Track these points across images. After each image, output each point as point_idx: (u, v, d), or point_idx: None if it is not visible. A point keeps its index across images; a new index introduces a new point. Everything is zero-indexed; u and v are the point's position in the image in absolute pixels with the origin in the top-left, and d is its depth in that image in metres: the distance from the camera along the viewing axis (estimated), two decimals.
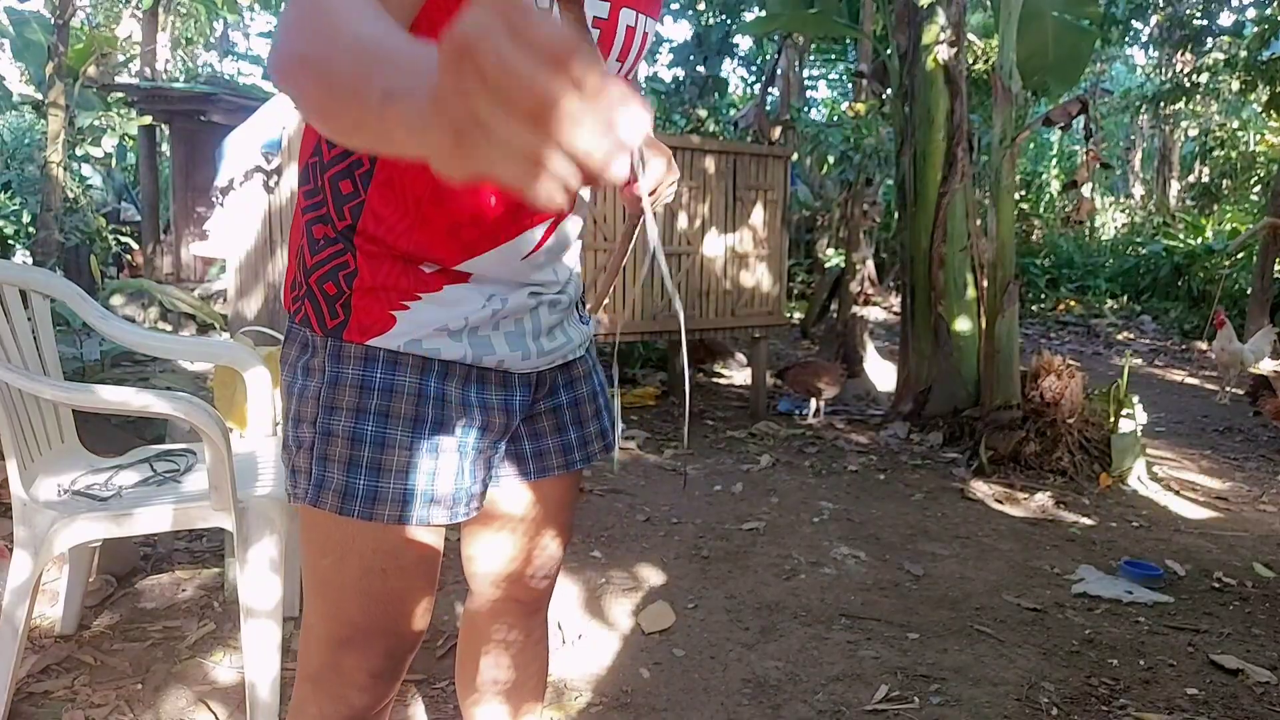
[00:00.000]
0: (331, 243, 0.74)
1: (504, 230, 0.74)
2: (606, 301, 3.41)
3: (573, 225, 0.81)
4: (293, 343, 0.77)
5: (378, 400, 0.73)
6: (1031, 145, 11.73)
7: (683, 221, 3.58)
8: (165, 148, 7.98)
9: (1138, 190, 13.91)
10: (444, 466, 0.75)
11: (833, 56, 10.22)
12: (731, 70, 10.64)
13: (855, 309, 5.61)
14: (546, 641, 0.98)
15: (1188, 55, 9.43)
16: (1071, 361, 3.29)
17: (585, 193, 0.83)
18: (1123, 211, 13.06)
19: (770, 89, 7.99)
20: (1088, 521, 2.70)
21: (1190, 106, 10.75)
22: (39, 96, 7.19)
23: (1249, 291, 6.83)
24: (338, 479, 0.73)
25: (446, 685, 1.54)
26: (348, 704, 0.78)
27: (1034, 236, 10.76)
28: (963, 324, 3.60)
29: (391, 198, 0.72)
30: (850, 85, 9.55)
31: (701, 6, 8.94)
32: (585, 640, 1.75)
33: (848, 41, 8.84)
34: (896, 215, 4.49)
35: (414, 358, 0.74)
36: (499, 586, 0.91)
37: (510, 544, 0.89)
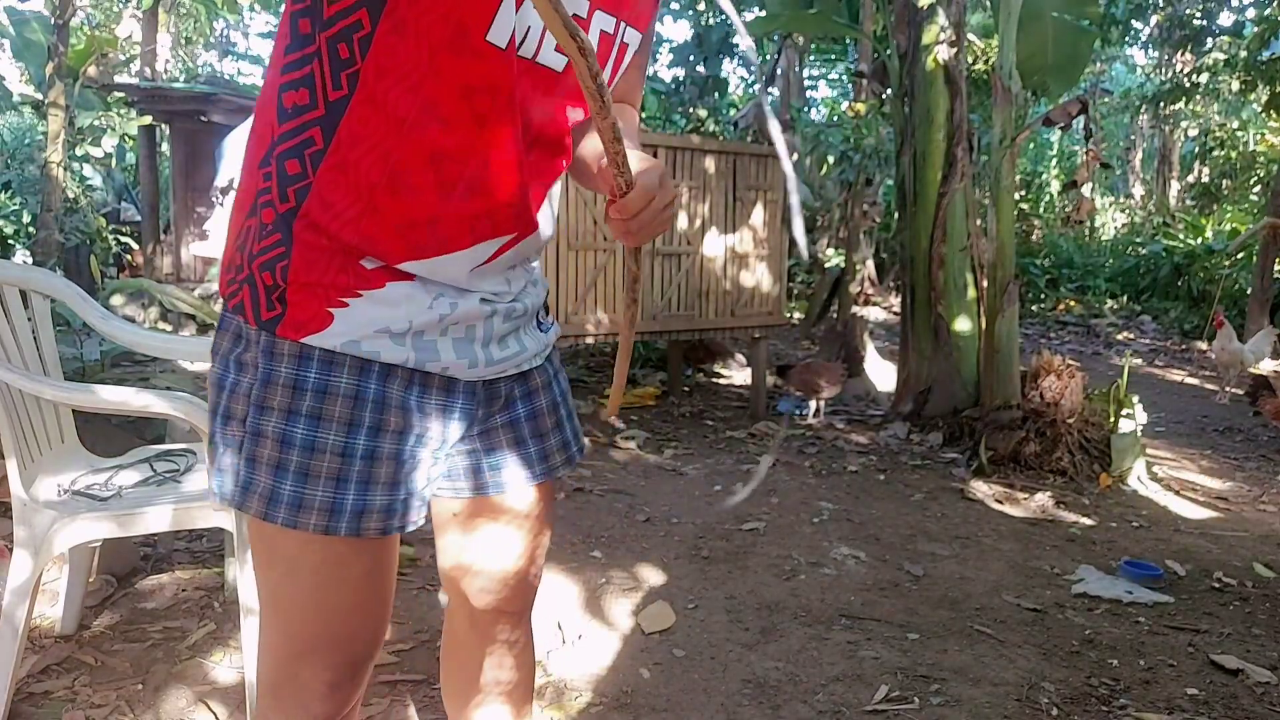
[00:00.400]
0: (273, 229, 0.70)
1: (457, 239, 0.71)
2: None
3: (531, 244, 0.77)
4: (225, 333, 0.73)
5: (310, 402, 0.69)
6: (1031, 145, 11.73)
7: (683, 221, 3.59)
8: (165, 148, 7.98)
9: (1138, 190, 13.91)
10: (379, 475, 0.72)
11: (833, 57, 10.23)
12: (731, 70, 10.65)
13: (855, 309, 5.61)
14: (530, 649, 0.95)
15: (1187, 55, 9.44)
16: (1071, 361, 3.30)
17: (548, 215, 0.79)
18: (1123, 211, 13.07)
19: (770, 89, 7.99)
20: (1088, 522, 2.70)
21: (1190, 106, 10.76)
22: (39, 96, 7.20)
23: (1249, 291, 6.83)
24: (264, 483, 0.69)
25: None
26: (309, 714, 0.76)
27: (1034, 236, 10.76)
28: (962, 324, 3.60)
29: (342, 182, 0.68)
30: (850, 85, 9.56)
31: (701, 6, 8.94)
32: (585, 640, 1.75)
33: (848, 41, 8.84)
34: (896, 215, 4.50)
35: (352, 358, 0.70)
36: (473, 598, 0.88)
37: (480, 557, 0.86)
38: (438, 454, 0.77)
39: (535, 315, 0.84)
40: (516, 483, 0.84)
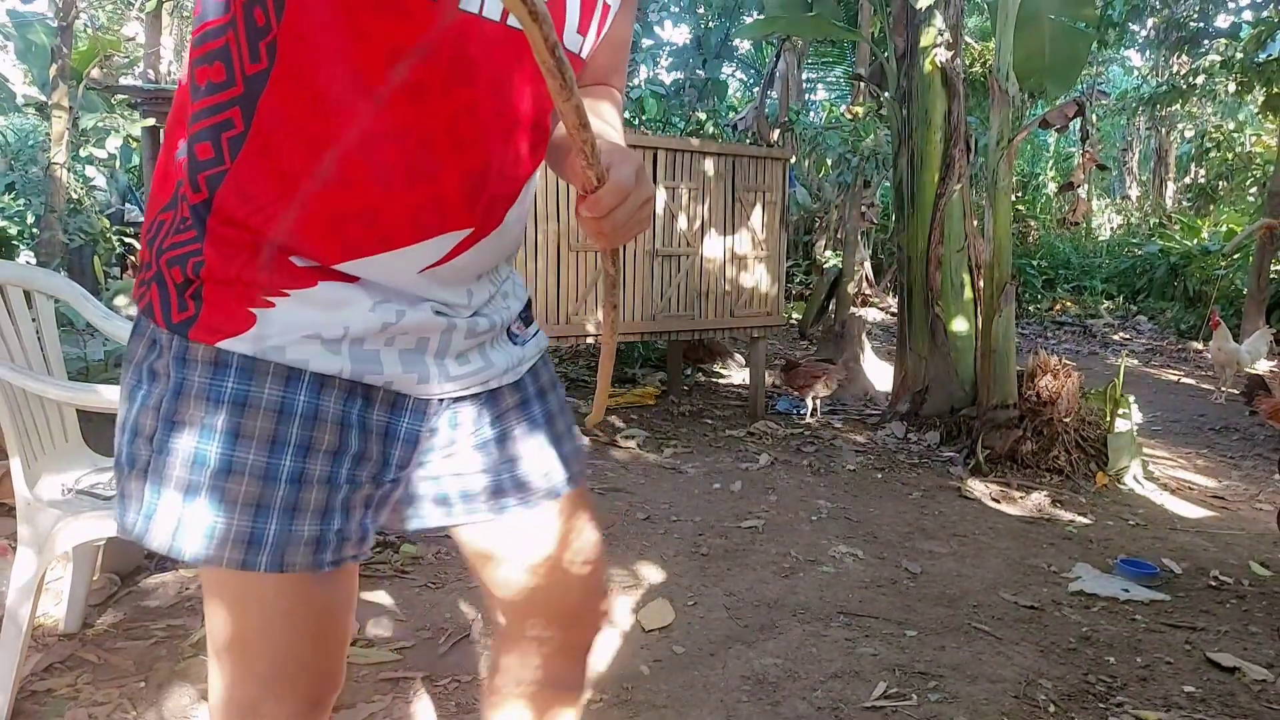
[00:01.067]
0: (183, 225, 0.61)
1: (398, 234, 0.61)
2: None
3: (494, 247, 0.67)
4: (139, 338, 0.64)
5: (226, 416, 0.60)
6: (1028, 147, 11.76)
7: (682, 223, 3.60)
8: None
9: (1134, 191, 13.95)
10: (307, 501, 0.62)
11: (831, 59, 10.25)
12: (731, 73, 10.67)
13: (853, 309, 5.62)
14: (576, 691, 0.85)
15: (1184, 57, 9.47)
16: (1068, 361, 3.31)
17: (520, 212, 0.69)
18: (1119, 212, 13.10)
19: (769, 92, 8.02)
20: (1084, 520, 2.71)
21: (1186, 108, 10.81)
22: (43, 98, 7.20)
23: (1245, 292, 6.85)
24: (172, 511, 0.60)
25: (449, 683, 1.55)
26: None
27: (1031, 237, 10.79)
28: (960, 324, 3.62)
29: (263, 171, 0.59)
30: (848, 88, 9.58)
31: (701, 10, 8.96)
32: None
33: (846, 44, 8.87)
34: (894, 217, 4.51)
35: (277, 366, 0.61)
36: (510, 625, 0.81)
37: (501, 584, 0.78)
38: (382, 479, 0.67)
39: (508, 328, 0.73)
40: (485, 511, 0.73)
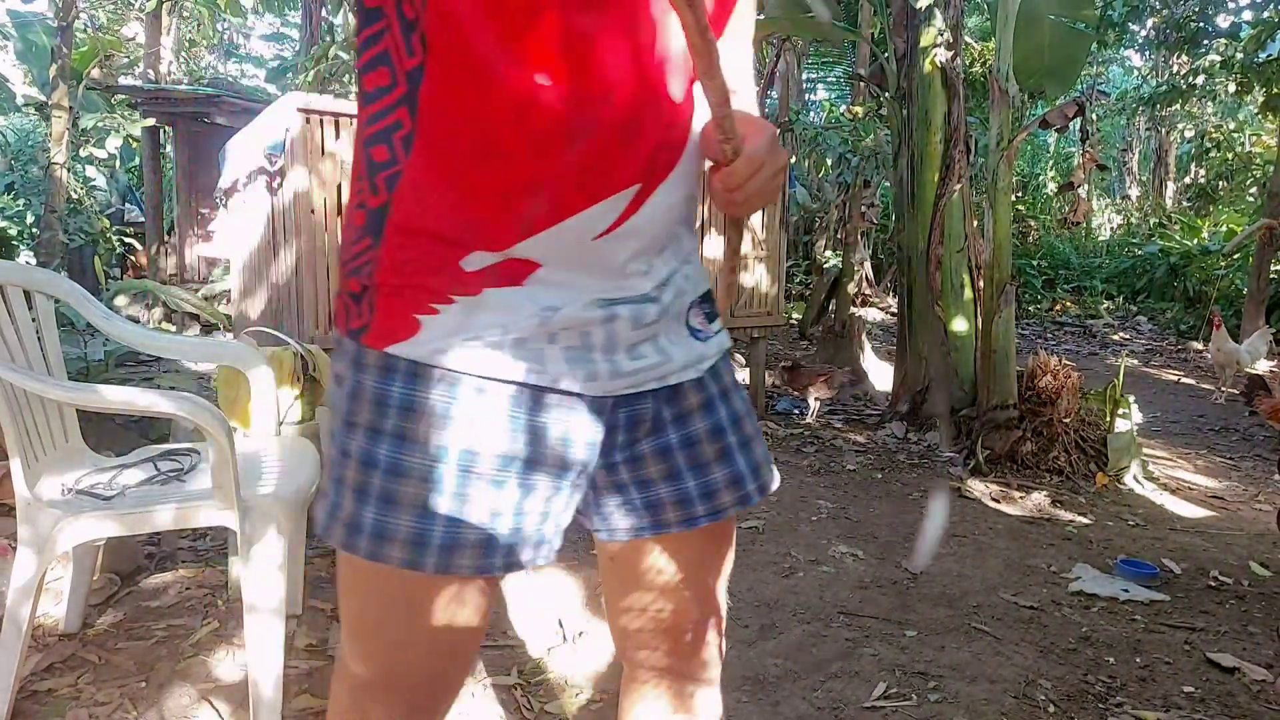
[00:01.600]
0: (363, 231, 0.63)
1: (568, 199, 0.60)
2: None
3: (667, 200, 0.64)
4: (336, 348, 0.68)
5: (394, 419, 0.61)
6: (1028, 147, 11.77)
7: None
8: (169, 149, 8.00)
9: (1134, 191, 13.95)
10: (474, 505, 0.62)
11: (831, 59, 10.25)
12: None
13: (853, 309, 5.63)
14: (709, 715, 0.81)
15: (1184, 58, 9.47)
16: (1068, 362, 3.31)
17: (685, 166, 0.65)
18: (1119, 213, 13.10)
19: (769, 92, 8.02)
20: (1084, 520, 2.71)
21: (1186, 108, 10.80)
22: (43, 98, 7.21)
23: (1245, 292, 6.86)
24: (347, 509, 0.63)
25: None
26: None
27: (1031, 238, 10.79)
28: (960, 324, 3.62)
29: (435, 163, 0.60)
30: (848, 88, 9.58)
31: None
32: (586, 637, 1.76)
33: (846, 44, 8.87)
34: (894, 217, 4.51)
35: (441, 371, 0.61)
36: (637, 656, 0.79)
37: (639, 609, 0.75)
38: (558, 484, 0.65)
39: (685, 318, 0.69)
40: (672, 523, 0.70)
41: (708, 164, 0.64)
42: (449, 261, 0.61)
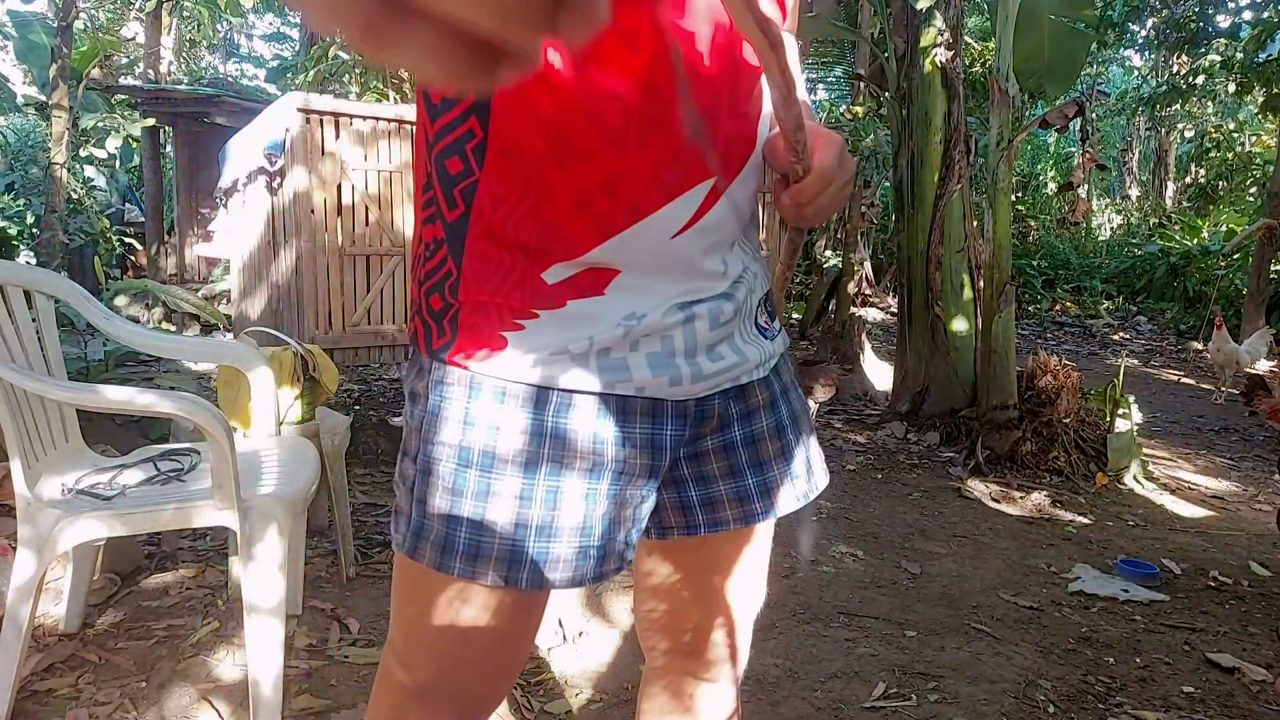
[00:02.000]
0: (439, 245, 0.62)
1: (645, 197, 0.59)
2: None
3: (740, 194, 0.64)
4: (411, 366, 0.67)
5: (483, 438, 0.61)
6: (1028, 147, 11.77)
7: None
8: (169, 149, 8.00)
9: (1134, 191, 13.96)
10: (566, 519, 0.62)
11: (831, 59, 10.25)
12: None
13: (853, 309, 5.63)
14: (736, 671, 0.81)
15: (1184, 58, 9.48)
16: (1068, 362, 3.32)
17: (756, 161, 0.65)
18: (1119, 213, 13.10)
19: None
20: (1084, 520, 2.71)
21: (1186, 108, 10.80)
22: (43, 98, 7.21)
23: (1245, 292, 6.86)
24: (437, 529, 0.62)
25: None
26: None
27: (1030, 238, 10.80)
28: (960, 324, 3.62)
29: (510, 170, 0.59)
30: (848, 88, 9.58)
31: None
32: (586, 637, 1.76)
33: (846, 44, 8.87)
34: (894, 217, 4.51)
35: (528, 388, 0.61)
36: (666, 653, 0.79)
37: (682, 607, 0.75)
38: (646, 490, 0.66)
39: (755, 316, 0.70)
40: (729, 520, 0.70)
41: (775, 175, 0.64)
42: (530, 274, 0.60)
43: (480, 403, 0.61)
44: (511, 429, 0.61)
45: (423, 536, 0.63)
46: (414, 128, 0.61)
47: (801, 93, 0.73)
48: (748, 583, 0.76)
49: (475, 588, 0.62)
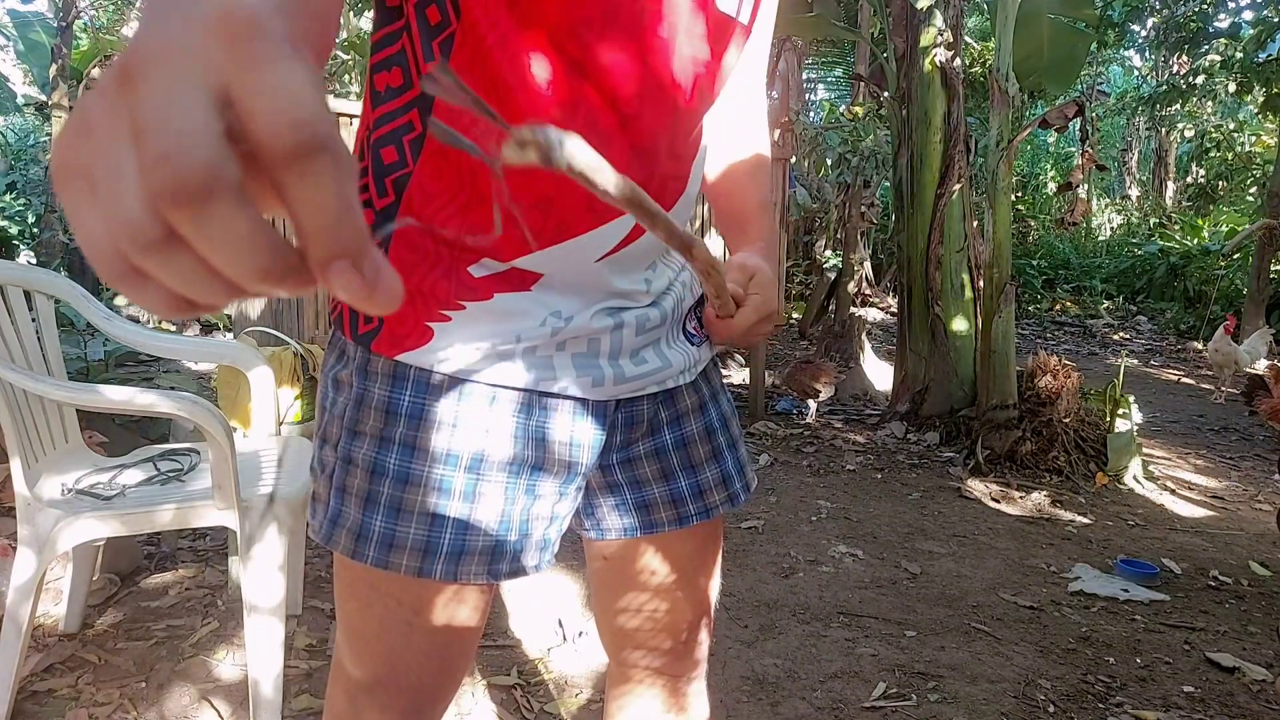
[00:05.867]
0: (370, 231, 0.63)
1: (576, 219, 0.60)
2: None
3: (675, 217, 0.65)
4: (332, 349, 0.67)
5: (404, 428, 0.61)
6: (1028, 147, 11.78)
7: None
8: None
9: (1134, 191, 13.96)
10: (483, 513, 0.63)
11: (831, 59, 10.26)
12: None
13: (853, 309, 5.63)
14: (700, 713, 0.83)
15: (1184, 57, 9.48)
16: (1067, 361, 3.31)
17: (686, 198, 0.66)
18: (1119, 213, 13.10)
19: (769, 92, 8.02)
20: (1084, 520, 2.71)
21: (1186, 108, 10.81)
22: (43, 98, 7.21)
23: (1245, 292, 6.86)
24: (353, 516, 0.62)
25: None
26: None
27: (1030, 237, 10.80)
28: (959, 324, 3.62)
29: (444, 169, 0.59)
30: (848, 88, 9.59)
31: None
32: (586, 637, 1.76)
33: (846, 44, 8.87)
34: (894, 217, 4.51)
35: (451, 379, 0.61)
36: (626, 656, 0.80)
37: (629, 609, 0.76)
38: (564, 488, 0.67)
39: (682, 323, 0.71)
40: (664, 523, 0.72)
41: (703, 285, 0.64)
42: (457, 266, 0.61)
43: (404, 393, 0.62)
44: (433, 420, 0.61)
45: (339, 524, 0.63)
46: None
47: (758, 90, 0.75)
48: (696, 583, 0.77)
49: (397, 580, 0.63)
